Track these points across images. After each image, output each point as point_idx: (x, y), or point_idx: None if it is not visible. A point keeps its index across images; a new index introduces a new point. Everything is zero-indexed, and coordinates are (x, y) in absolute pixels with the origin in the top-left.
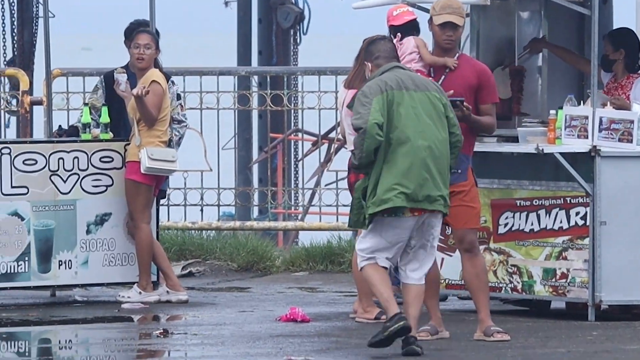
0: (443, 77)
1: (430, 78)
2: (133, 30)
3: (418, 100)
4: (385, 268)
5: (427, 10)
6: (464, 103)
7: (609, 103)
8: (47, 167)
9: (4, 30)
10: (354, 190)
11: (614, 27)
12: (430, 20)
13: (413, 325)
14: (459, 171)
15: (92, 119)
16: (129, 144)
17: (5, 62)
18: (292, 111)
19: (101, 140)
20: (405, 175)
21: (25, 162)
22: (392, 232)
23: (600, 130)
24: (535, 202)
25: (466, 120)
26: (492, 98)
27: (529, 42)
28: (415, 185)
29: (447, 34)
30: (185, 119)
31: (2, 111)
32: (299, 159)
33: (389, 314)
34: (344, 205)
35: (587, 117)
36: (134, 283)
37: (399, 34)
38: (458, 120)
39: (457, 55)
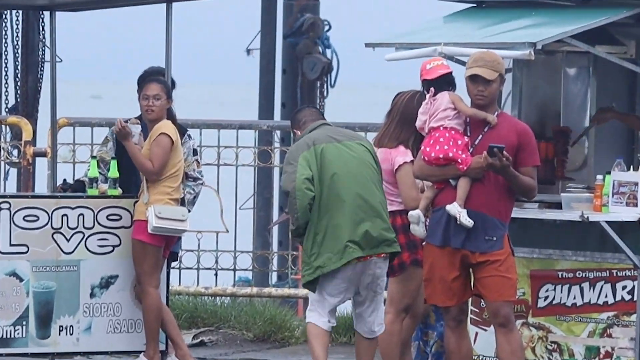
0: (480, 136)
1: (467, 138)
2: (142, 87)
3: (348, 148)
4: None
5: (464, 64)
6: (504, 152)
7: None
8: (49, 224)
9: (6, 75)
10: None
11: None
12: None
13: None
14: (494, 239)
15: (100, 173)
16: (138, 201)
17: (7, 110)
18: None
19: (109, 197)
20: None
21: (26, 218)
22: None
23: None
24: (579, 274)
25: (504, 172)
26: (534, 160)
27: (595, 113)
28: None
29: (478, 88)
30: (202, 176)
31: (2, 162)
32: None
33: None
34: None
35: (637, 184)
36: (140, 352)
37: (432, 88)
38: (495, 172)
39: (497, 113)
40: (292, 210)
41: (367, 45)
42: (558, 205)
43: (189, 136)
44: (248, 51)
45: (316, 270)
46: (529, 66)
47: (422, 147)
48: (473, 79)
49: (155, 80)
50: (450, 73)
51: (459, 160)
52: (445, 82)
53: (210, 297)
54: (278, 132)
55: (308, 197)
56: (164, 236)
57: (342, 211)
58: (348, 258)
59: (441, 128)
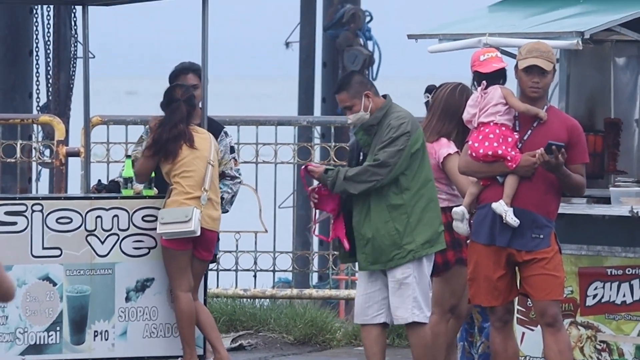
0: (529, 131)
1: (515, 133)
2: (177, 77)
3: None
4: None
5: (511, 55)
6: (562, 150)
7: None
8: (83, 226)
9: (37, 72)
10: None
11: None
12: (516, 66)
13: None
14: (541, 236)
15: (135, 172)
16: None
17: (38, 108)
18: None
19: (144, 197)
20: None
21: (59, 220)
22: None
23: None
24: (629, 271)
25: (557, 170)
26: (583, 157)
27: None
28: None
29: (533, 80)
30: (239, 174)
31: (34, 163)
32: None
33: None
34: None
35: None
36: (178, 357)
37: (484, 81)
38: (548, 170)
39: (546, 107)
40: (374, 175)
41: (409, 36)
42: (607, 200)
43: (226, 133)
44: (287, 44)
45: (409, 254)
46: (576, 56)
47: (470, 142)
48: (529, 70)
49: (192, 70)
50: (504, 68)
51: (509, 158)
52: (498, 76)
53: (249, 300)
54: (318, 127)
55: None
56: (189, 239)
57: (435, 200)
58: (440, 247)
59: (491, 124)
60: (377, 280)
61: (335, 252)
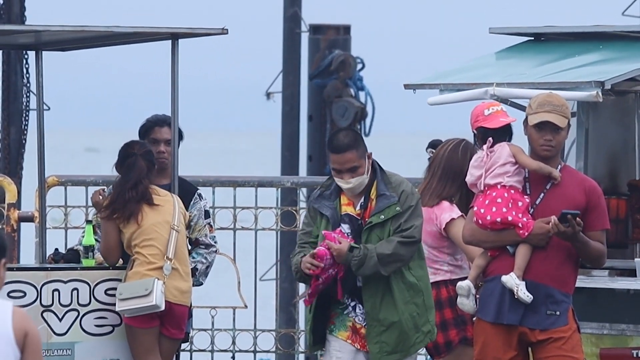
0: (542, 194)
1: (526, 197)
2: (150, 129)
3: None
4: None
5: (521, 108)
6: (577, 219)
7: None
8: (38, 300)
9: None
10: None
11: None
12: (526, 121)
13: None
14: (557, 313)
15: (96, 240)
16: None
17: None
18: None
19: (107, 268)
20: None
21: (11, 294)
22: None
23: None
24: None
25: (574, 240)
26: (603, 223)
27: None
28: None
29: (545, 137)
30: (215, 242)
31: None
32: None
33: None
34: None
35: None
36: None
37: (490, 138)
38: (564, 239)
39: (560, 167)
40: (407, 253)
41: (406, 86)
42: (632, 272)
43: (200, 196)
44: (268, 95)
45: (426, 337)
46: (596, 109)
47: (475, 208)
48: (540, 126)
49: (167, 123)
50: (510, 123)
51: (520, 225)
52: (504, 132)
53: None
54: (304, 189)
55: None
56: (153, 315)
57: None
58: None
59: (498, 186)
60: None
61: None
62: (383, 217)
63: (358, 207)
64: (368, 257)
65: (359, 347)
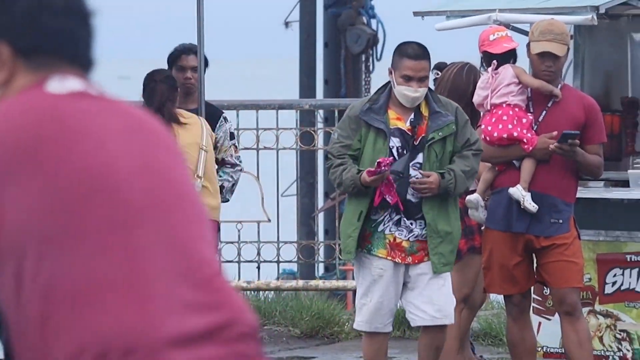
0: (544, 112)
1: (530, 114)
2: (177, 57)
3: None
4: None
5: (523, 32)
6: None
7: None
8: None
9: None
10: None
11: None
12: (528, 45)
13: None
14: (560, 221)
15: None
16: None
17: None
18: None
19: None
20: None
21: None
22: None
23: None
24: None
25: (573, 156)
26: (600, 137)
27: None
28: None
29: (546, 64)
30: (240, 161)
31: None
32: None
33: None
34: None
35: None
36: None
37: (494, 61)
38: (564, 157)
39: (560, 86)
40: (477, 166)
41: (415, 14)
42: (625, 183)
43: (225, 119)
44: (286, 24)
45: (457, 253)
46: (591, 32)
47: (483, 126)
48: (542, 54)
49: (194, 51)
50: (515, 48)
51: (525, 140)
52: (509, 56)
53: (253, 292)
54: (321, 111)
55: None
56: None
57: None
58: None
59: (504, 105)
60: (390, 287)
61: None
62: (441, 134)
63: (408, 123)
64: (458, 177)
65: (399, 261)
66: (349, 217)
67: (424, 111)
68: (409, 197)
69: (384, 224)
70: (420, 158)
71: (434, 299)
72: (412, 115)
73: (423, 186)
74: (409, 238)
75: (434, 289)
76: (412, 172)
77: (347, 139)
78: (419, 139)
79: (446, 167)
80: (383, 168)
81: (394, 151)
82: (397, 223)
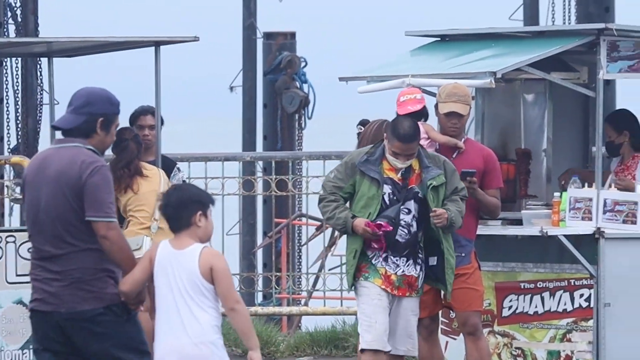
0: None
1: None
2: (137, 117)
3: None
4: None
5: (432, 94)
6: (474, 177)
7: (613, 184)
8: None
9: (8, 117)
10: None
11: (617, 108)
12: (436, 106)
13: None
14: (463, 254)
15: None
16: None
17: (9, 150)
18: (297, 196)
19: None
20: None
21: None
22: None
23: (604, 212)
24: (540, 284)
25: (474, 194)
26: (497, 183)
27: (562, 174)
28: None
29: (452, 121)
30: None
31: (6, 199)
32: (302, 243)
33: None
34: (348, 290)
35: (591, 199)
36: None
37: None
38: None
39: (464, 139)
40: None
41: (340, 79)
42: (519, 222)
43: (178, 169)
44: (231, 88)
45: None
46: (490, 94)
47: None
48: (448, 114)
49: (150, 112)
50: (422, 109)
51: None
52: (419, 115)
53: None
54: (260, 162)
55: None
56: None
57: None
58: None
59: None
60: (386, 312)
61: (278, 273)
62: (435, 183)
63: (399, 174)
64: (455, 214)
65: (390, 291)
66: (347, 254)
67: (415, 165)
68: (397, 237)
69: (376, 259)
70: (408, 205)
71: (412, 335)
72: (403, 169)
73: (442, 216)
74: (396, 272)
75: (412, 324)
76: (401, 216)
77: (341, 181)
78: (409, 189)
79: (444, 207)
80: (381, 231)
81: (386, 197)
82: (386, 259)
